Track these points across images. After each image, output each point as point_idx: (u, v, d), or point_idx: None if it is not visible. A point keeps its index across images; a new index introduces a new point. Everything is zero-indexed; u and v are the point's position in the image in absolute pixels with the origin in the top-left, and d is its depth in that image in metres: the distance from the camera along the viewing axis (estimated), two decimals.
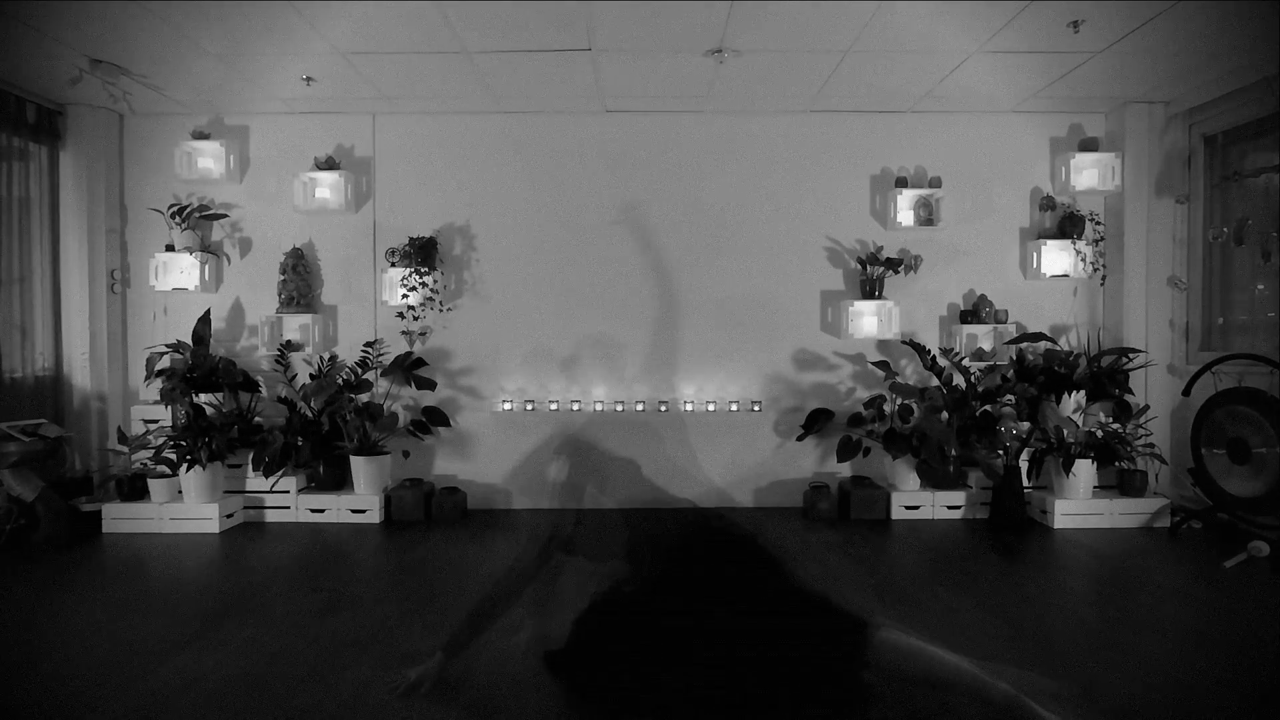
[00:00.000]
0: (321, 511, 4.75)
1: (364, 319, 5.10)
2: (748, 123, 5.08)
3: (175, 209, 4.87)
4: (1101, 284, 5.04)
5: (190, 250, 4.89)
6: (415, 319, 5.02)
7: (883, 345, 5.08)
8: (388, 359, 4.97)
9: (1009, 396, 4.62)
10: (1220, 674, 2.55)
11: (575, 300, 5.10)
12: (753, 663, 2.06)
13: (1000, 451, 4.55)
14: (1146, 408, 4.62)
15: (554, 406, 5.02)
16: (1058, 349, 4.76)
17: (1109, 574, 3.75)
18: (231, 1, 3.51)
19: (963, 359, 4.79)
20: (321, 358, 4.94)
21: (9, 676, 2.58)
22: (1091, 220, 4.99)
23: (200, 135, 4.94)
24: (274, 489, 4.72)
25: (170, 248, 4.90)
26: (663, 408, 5.02)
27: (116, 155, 5.02)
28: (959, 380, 4.79)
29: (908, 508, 4.78)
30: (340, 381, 4.79)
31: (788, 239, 5.10)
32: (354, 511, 4.73)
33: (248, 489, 4.77)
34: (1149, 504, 4.56)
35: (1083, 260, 4.90)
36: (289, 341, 4.88)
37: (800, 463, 5.11)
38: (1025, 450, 4.58)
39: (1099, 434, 4.54)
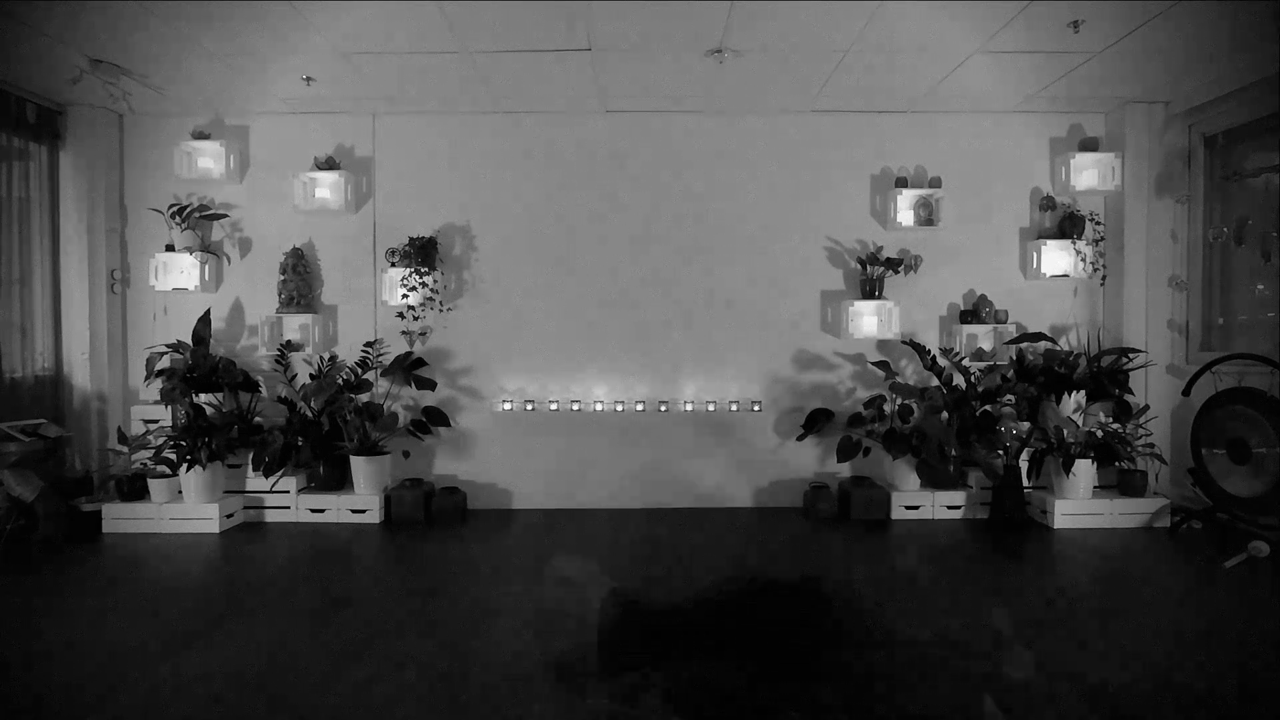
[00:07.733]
0: (321, 511, 4.74)
1: (364, 319, 5.10)
2: (748, 123, 5.08)
3: (175, 209, 4.87)
4: (1101, 284, 5.04)
5: (190, 250, 4.89)
6: (415, 319, 5.02)
7: (883, 345, 5.07)
8: (388, 359, 4.97)
9: (1009, 396, 4.62)
10: (1220, 673, 2.56)
11: (575, 300, 5.09)
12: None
13: (1000, 451, 4.54)
14: (1146, 408, 4.62)
15: (554, 406, 5.02)
16: (1058, 349, 4.76)
17: (1109, 574, 3.75)
18: (231, 1, 3.51)
19: (963, 359, 4.79)
20: (321, 358, 4.94)
21: (9, 676, 2.58)
22: (1091, 220, 4.99)
23: (200, 135, 4.94)
24: (274, 489, 4.72)
25: (170, 248, 4.90)
26: (663, 408, 5.02)
27: (116, 155, 5.02)
28: (959, 380, 4.79)
29: (908, 508, 4.78)
30: (340, 381, 4.79)
31: (788, 239, 5.10)
32: (354, 511, 4.73)
33: (248, 489, 4.77)
34: (1149, 504, 4.56)
35: (1083, 260, 4.90)
36: (289, 341, 4.88)
37: (800, 463, 5.11)
38: (1025, 450, 4.58)
39: (1099, 434, 4.54)
